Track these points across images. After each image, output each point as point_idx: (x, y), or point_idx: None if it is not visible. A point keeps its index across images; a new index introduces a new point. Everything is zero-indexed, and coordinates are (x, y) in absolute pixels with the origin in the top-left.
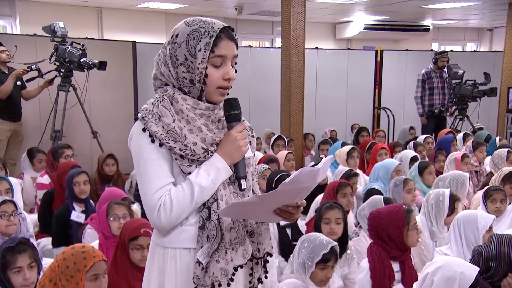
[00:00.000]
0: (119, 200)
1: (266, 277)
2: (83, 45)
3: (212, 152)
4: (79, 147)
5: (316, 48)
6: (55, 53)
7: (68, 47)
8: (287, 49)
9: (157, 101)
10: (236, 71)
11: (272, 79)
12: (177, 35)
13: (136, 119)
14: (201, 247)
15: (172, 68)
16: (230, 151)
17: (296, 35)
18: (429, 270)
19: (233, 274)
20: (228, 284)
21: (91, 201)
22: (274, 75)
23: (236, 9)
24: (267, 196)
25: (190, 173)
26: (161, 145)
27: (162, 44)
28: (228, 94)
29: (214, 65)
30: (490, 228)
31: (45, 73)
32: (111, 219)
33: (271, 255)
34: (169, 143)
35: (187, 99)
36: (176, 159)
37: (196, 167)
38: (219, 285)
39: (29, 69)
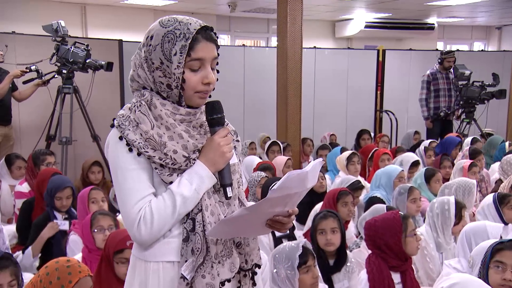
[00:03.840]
0: (104, 211)
1: None
2: (87, 45)
3: (194, 160)
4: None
5: (314, 47)
6: (56, 53)
7: (71, 48)
8: (284, 48)
9: (134, 106)
10: (218, 71)
11: (267, 80)
12: (151, 37)
13: (112, 126)
14: (185, 261)
15: (149, 72)
16: (214, 158)
17: (293, 34)
18: (444, 286)
19: None
20: None
21: (72, 209)
22: (269, 76)
23: (229, 6)
24: (257, 206)
25: (171, 182)
26: (139, 154)
27: None
28: (210, 97)
29: (191, 69)
30: (501, 237)
31: (45, 74)
32: (95, 230)
33: (259, 266)
34: (148, 152)
35: (166, 104)
36: (156, 168)
37: (177, 175)
38: None
39: (27, 70)
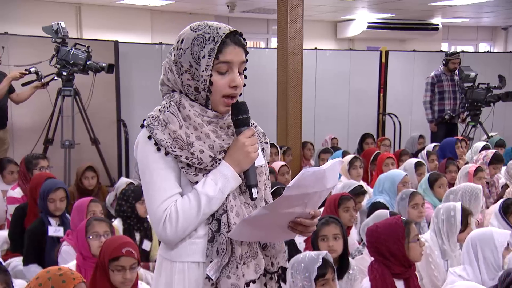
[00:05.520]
0: (100, 217)
1: None
2: (88, 47)
3: (220, 160)
4: (55, 157)
5: (316, 48)
6: (56, 55)
7: (72, 49)
8: (284, 49)
9: (164, 107)
10: (246, 77)
11: (267, 82)
12: (182, 41)
13: (142, 126)
14: (211, 261)
15: (177, 75)
16: (238, 158)
17: (293, 35)
18: None
19: None
20: None
21: (66, 214)
22: (269, 78)
23: (228, 6)
24: (274, 204)
25: (197, 182)
26: (167, 153)
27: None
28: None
29: (219, 72)
30: (508, 244)
31: (45, 76)
32: (91, 237)
33: (285, 269)
34: (175, 151)
35: (195, 105)
36: (182, 167)
37: (203, 176)
38: None
39: (27, 72)
